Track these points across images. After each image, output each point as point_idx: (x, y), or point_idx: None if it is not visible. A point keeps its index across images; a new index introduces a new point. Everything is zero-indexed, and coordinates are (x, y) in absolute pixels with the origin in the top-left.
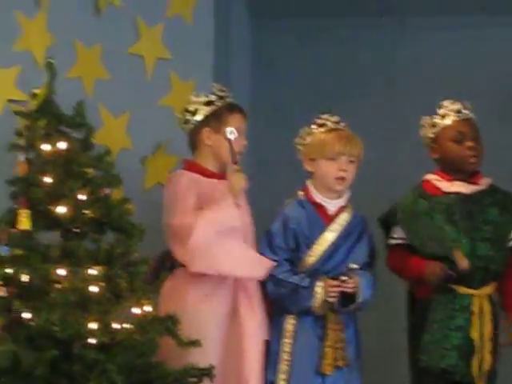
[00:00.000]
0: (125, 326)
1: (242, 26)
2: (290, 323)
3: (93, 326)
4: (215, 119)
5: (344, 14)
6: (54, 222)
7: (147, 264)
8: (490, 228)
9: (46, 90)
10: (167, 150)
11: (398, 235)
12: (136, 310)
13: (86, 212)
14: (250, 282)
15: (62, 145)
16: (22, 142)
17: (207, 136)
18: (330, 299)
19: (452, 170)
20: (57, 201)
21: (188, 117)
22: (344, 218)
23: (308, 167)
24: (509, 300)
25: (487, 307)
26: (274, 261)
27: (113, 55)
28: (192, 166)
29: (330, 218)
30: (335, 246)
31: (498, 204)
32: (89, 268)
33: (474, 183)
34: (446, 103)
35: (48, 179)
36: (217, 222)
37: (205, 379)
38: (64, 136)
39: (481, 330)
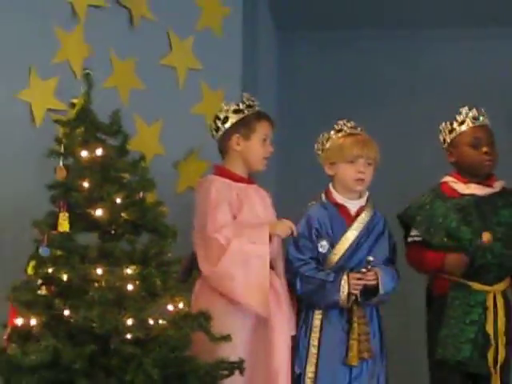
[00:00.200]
0: (159, 322)
1: (268, 38)
2: (317, 318)
3: (129, 322)
4: (244, 126)
5: (364, 26)
6: (92, 224)
7: (180, 263)
8: (503, 228)
9: (84, 100)
10: (198, 156)
11: (416, 233)
12: (170, 307)
13: (122, 214)
14: (277, 281)
15: (99, 151)
16: (61, 148)
17: (236, 142)
18: (354, 291)
19: (468, 173)
20: (94, 204)
21: (218, 124)
22: (364, 217)
23: (328, 171)
24: None
25: (501, 303)
26: (301, 260)
27: (146, 66)
28: (222, 171)
29: (351, 218)
30: (357, 244)
31: (511, 206)
32: (125, 267)
33: (489, 186)
34: (463, 110)
35: (86, 184)
36: (246, 255)
37: (235, 372)
38: (101, 143)
39: (495, 324)
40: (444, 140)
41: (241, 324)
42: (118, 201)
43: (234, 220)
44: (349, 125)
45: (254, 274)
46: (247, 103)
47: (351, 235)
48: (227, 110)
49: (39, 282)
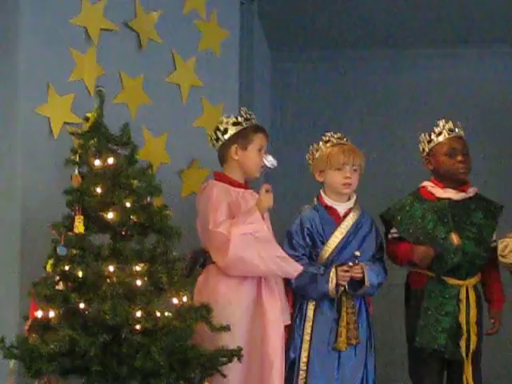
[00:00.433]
0: (165, 314)
1: (262, 58)
2: (310, 309)
3: (138, 314)
4: (242, 138)
5: (348, 47)
6: (105, 226)
7: (183, 261)
8: (475, 229)
9: (97, 114)
10: (200, 164)
11: (395, 230)
12: (175, 301)
13: (132, 217)
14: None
15: (111, 160)
16: (76, 158)
17: (235, 152)
18: (342, 283)
19: (445, 179)
20: (106, 208)
21: (219, 135)
22: (352, 218)
23: (318, 178)
24: (490, 293)
25: (473, 296)
26: (295, 256)
27: (153, 84)
28: (222, 177)
29: (340, 218)
30: (346, 241)
31: (482, 209)
32: (134, 265)
33: (463, 191)
34: (440, 122)
35: (99, 189)
36: (249, 233)
37: (234, 359)
38: (112, 153)
39: (467, 315)
40: (423, 149)
41: (239, 315)
42: (128, 205)
43: (230, 217)
44: (336, 136)
45: (261, 248)
46: (245, 116)
47: (340, 234)
48: (227, 123)
49: (57, 278)
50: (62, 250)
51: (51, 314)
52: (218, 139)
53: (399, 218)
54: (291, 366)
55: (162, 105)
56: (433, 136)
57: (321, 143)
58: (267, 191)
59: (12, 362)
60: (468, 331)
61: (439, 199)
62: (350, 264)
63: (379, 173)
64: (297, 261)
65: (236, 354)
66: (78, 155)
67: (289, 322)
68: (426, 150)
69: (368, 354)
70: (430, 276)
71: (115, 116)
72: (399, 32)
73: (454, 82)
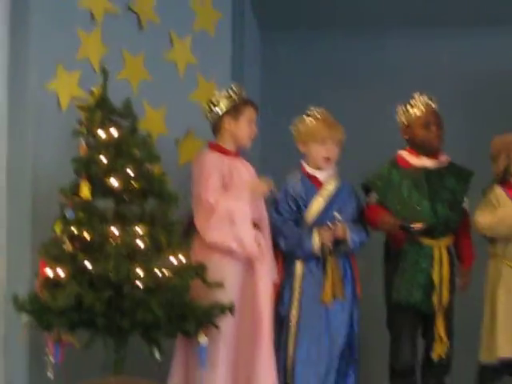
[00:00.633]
0: (164, 272)
1: (253, 37)
2: (299, 269)
3: (139, 272)
4: (234, 110)
5: (334, 26)
6: (108, 192)
7: (181, 224)
8: (448, 193)
9: (101, 89)
10: (195, 135)
11: (374, 195)
12: (173, 260)
13: (133, 183)
14: (262, 239)
15: (114, 131)
16: (83, 129)
17: (227, 123)
18: (326, 242)
19: (419, 148)
20: (110, 175)
21: (212, 108)
22: (332, 184)
23: (301, 148)
24: (461, 252)
25: (445, 255)
26: (282, 221)
27: (152, 61)
28: (215, 147)
29: (321, 185)
30: (328, 206)
31: (455, 175)
32: (136, 227)
33: (436, 159)
34: (416, 96)
35: (103, 158)
36: (231, 211)
37: (226, 313)
38: (115, 124)
39: (440, 272)
40: (400, 120)
41: (232, 273)
42: (130, 172)
43: (223, 186)
44: (319, 110)
45: (239, 224)
46: (236, 91)
47: (321, 198)
48: (220, 97)
49: (65, 239)
50: (69, 214)
51: (60, 272)
52: (211, 112)
53: (379, 184)
54: (282, 323)
55: (161, 80)
56: (409, 108)
57: (305, 117)
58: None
59: (24, 317)
60: (441, 287)
61: (415, 167)
62: (329, 224)
63: (359, 142)
64: (284, 225)
65: (229, 308)
66: (84, 127)
67: (277, 280)
68: (403, 120)
69: (354, 310)
70: (407, 236)
71: (118, 91)
72: (380, 12)
73: (430, 60)
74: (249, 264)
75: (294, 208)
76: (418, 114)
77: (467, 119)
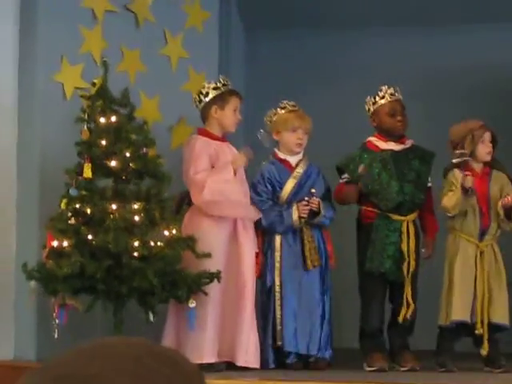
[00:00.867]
0: (158, 243)
1: (238, 34)
2: (277, 241)
3: (136, 243)
4: (220, 100)
5: (312, 25)
6: (108, 172)
7: (173, 200)
8: (413, 174)
9: (102, 80)
10: (186, 122)
11: (346, 175)
12: (166, 233)
13: (131, 165)
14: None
15: (113, 118)
16: (85, 116)
17: (214, 111)
18: (303, 214)
19: (386, 134)
20: (110, 157)
21: (201, 97)
22: (302, 166)
23: (275, 137)
24: (425, 226)
25: (412, 228)
26: (260, 200)
27: (148, 55)
28: (203, 132)
29: (292, 168)
30: (299, 186)
31: (419, 157)
32: (133, 203)
33: (402, 143)
34: (383, 88)
35: (103, 142)
36: (220, 182)
37: (214, 281)
38: (114, 112)
39: (408, 244)
40: (369, 109)
41: (219, 245)
42: (127, 154)
43: (211, 168)
44: (291, 103)
45: (229, 194)
46: (223, 82)
47: (293, 179)
48: (208, 88)
49: (69, 214)
50: (73, 192)
51: (65, 243)
52: (200, 101)
53: (351, 167)
54: (268, 293)
55: (155, 73)
56: (377, 99)
57: (278, 109)
58: (245, 154)
59: (33, 283)
60: (408, 257)
61: (383, 150)
62: (306, 198)
63: (333, 130)
64: (264, 204)
65: (216, 276)
66: (86, 114)
67: (257, 250)
68: (371, 109)
69: (326, 278)
70: (378, 212)
71: (117, 82)
72: (354, 13)
73: (396, 56)
74: (234, 235)
75: (270, 189)
76: (385, 103)
77: (427, 108)
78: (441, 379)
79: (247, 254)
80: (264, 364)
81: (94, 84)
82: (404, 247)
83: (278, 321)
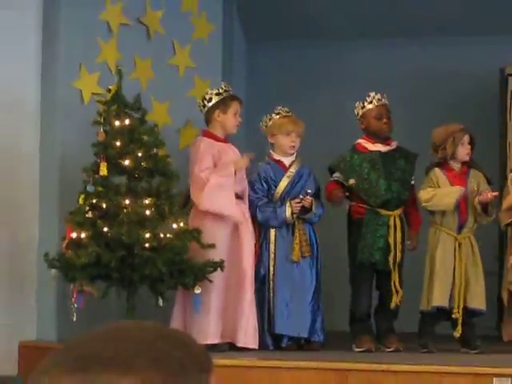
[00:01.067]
0: (167, 235)
1: (240, 45)
2: (272, 235)
3: (147, 235)
4: (222, 104)
5: (307, 37)
6: (122, 170)
7: (180, 196)
8: (399, 173)
9: (117, 87)
10: (193, 125)
11: (337, 175)
12: (174, 226)
13: (142, 164)
14: (246, 208)
15: (127, 121)
16: (101, 119)
17: (217, 115)
18: (295, 210)
19: (374, 136)
20: (124, 157)
21: (205, 103)
22: (295, 167)
23: (270, 140)
24: (410, 220)
25: (398, 223)
26: (257, 198)
27: (158, 65)
28: (208, 134)
29: (286, 168)
30: (292, 184)
31: (404, 158)
32: (144, 199)
33: (388, 145)
34: (371, 93)
35: (118, 143)
36: (221, 183)
37: (217, 269)
38: (128, 116)
39: (394, 237)
40: (357, 113)
41: (222, 236)
42: (140, 154)
43: (214, 166)
44: (284, 109)
45: (226, 196)
46: (224, 89)
47: (287, 178)
48: (211, 93)
49: (87, 208)
50: (90, 188)
51: (82, 235)
52: (204, 106)
53: (342, 166)
54: (263, 281)
55: (165, 80)
56: (365, 104)
57: (273, 114)
58: (247, 157)
59: (54, 271)
60: (395, 249)
61: (371, 151)
62: (301, 196)
63: (326, 133)
64: (260, 200)
65: (219, 265)
66: (102, 117)
67: (254, 241)
68: (360, 113)
69: (317, 267)
70: (367, 208)
71: (130, 88)
72: (347, 26)
73: (385, 65)
74: (235, 228)
75: (266, 187)
76: (372, 107)
77: (410, 112)
78: (422, 359)
79: (247, 246)
80: (263, 346)
81: (109, 90)
82: (391, 240)
83: (272, 306)
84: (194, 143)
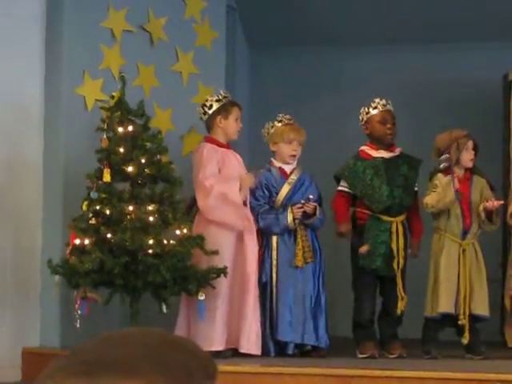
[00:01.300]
0: (171, 241)
1: (242, 52)
2: (274, 241)
3: (150, 241)
4: (223, 110)
5: (308, 44)
6: (126, 177)
7: (184, 203)
8: (402, 179)
9: (120, 94)
10: (196, 131)
11: (343, 184)
12: (178, 232)
13: (146, 170)
14: (250, 214)
15: (130, 128)
16: (104, 126)
17: (219, 121)
18: (297, 216)
19: (377, 142)
20: (127, 163)
21: (206, 109)
22: (296, 174)
23: (272, 148)
24: (412, 227)
25: (401, 229)
26: (259, 205)
27: (162, 71)
28: (210, 140)
29: (287, 175)
30: (293, 191)
31: (407, 164)
32: (147, 205)
33: (392, 151)
34: (376, 99)
35: (121, 149)
36: (225, 194)
37: (221, 276)
38: (131, 122)
39: (397, 243)
40: (362, 119)
41: (226, 243)
42: (143, 161)
43: (218, 172)
44: (287, 117)
45: (230, 206)
46: (224, 95)
47: (288, 185)
48: (211, 100)
49: (90, 215)
50: (94, 194)
51: (86, 241)
52: (205, 113)
53: (346, 174)
54: (264, 288)
55: (168, 87)
56: (370, 109)
57: (275, 122)
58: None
59: (57, 278)
60: (398, 255)
61: (374, 158)
62: (303, 201)
63: (329, 139)
64: (261, 207)
65: (223, 271)
66: (105, 124)
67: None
68: (365, 119)
69: (320, 273)
70: (370, 214)
71: (133, 95)
72: (350, 32)
73: (389, 71)
74: (239, 236)
75: (267, 194)
76: (377, 113)
77: (415, 118)
78: (426, 365)
79: (251, 253)
80: (265, 353)
81: (112, 97)
82: (394, 246)
83: (275, 313)
84: (197, 149)
